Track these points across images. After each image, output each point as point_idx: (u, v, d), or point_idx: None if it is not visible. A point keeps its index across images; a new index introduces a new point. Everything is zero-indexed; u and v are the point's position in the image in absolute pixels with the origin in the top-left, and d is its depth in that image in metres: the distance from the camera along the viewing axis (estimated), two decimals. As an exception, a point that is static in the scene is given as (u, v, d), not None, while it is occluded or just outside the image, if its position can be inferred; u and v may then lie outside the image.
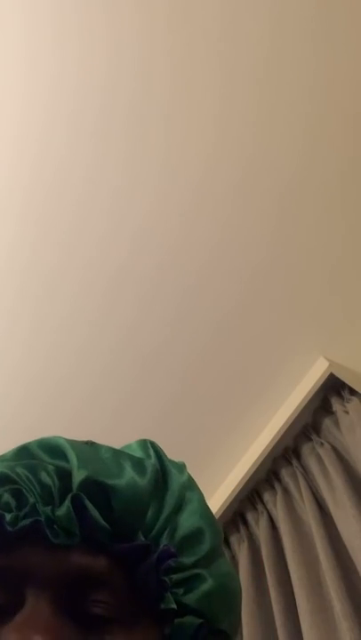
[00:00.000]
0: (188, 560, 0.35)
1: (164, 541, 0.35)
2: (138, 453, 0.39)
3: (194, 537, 0.36)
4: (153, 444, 0.40)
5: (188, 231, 1.15)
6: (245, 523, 1.39)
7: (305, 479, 1.27)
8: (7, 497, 0.34)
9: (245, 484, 1.36)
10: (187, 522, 0.37)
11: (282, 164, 1.10)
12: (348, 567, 1.07)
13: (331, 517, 1.17)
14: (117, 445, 0.40)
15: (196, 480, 0.40)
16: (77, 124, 1.05)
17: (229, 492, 1.35)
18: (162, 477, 0.38)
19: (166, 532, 0.35)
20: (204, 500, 0.39)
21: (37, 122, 1.05)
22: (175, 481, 0.38)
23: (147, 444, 0.40)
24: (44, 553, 0.32)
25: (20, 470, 0.35)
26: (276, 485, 1.33)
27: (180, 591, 0.34)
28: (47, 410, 1.29)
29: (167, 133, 1.07)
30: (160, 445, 0.40)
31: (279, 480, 1.34)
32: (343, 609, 0.99)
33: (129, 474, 0.36)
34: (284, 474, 1.32)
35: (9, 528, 0.32)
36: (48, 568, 0.32)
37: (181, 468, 0.40)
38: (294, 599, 1.11)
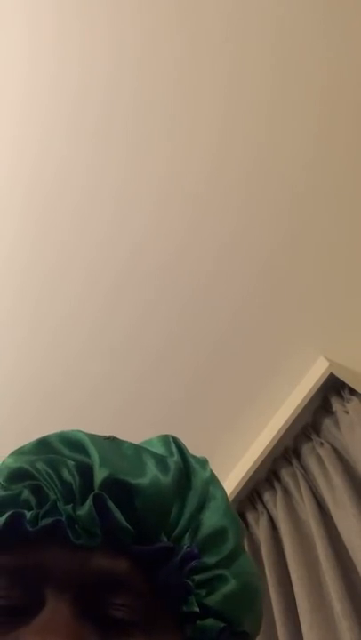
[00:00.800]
0: (210, 560, 0.34)
1: (186, 541, 0.34)
2: (159, 449, 0.38)
3: (217, 536, 0.35)
4: (175, 440, 0.39)
5: (191, 232, 1.15)
6: (245, 523, 1.39)
7: (305, 479, 1.27)
8: (27, 494, 0.33)
9: (245, 483, 1.36)
10: (210, 520, 0.35)
11: (287, 166, 1.09)
12: (348, 567, 1.08)
13: (331, 517, 1.17)
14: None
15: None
16: (78, 123, 1.05)
17: (229, 492, 1.35)
18: (185, 475, 0.37)
19: (189, 532, 0.34)
20: (227, 496, 0.38)
21: (37, 122, 1.04)
22: (198, 478, 0.37)
23: (169, 440, 0.39)
24: (64, 553, 0.31)
25: (40, 465, 0.33)
26: (276, 485, 1.33)
27: (202, 593, 0.33)
28: (45, 411, 1.28)
29: (171, 133, 1.06)
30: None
31: (279, 480, 1.34)
32: (343, 608, 0.99)
33: (152, 472, 0.35)
34: (284, 474, 1.32)
35: (29, 527, 0.31)
36: (68, 569, 0.31)
37: (204, 463, 0.39)
38: (294, 599, 1.11)
